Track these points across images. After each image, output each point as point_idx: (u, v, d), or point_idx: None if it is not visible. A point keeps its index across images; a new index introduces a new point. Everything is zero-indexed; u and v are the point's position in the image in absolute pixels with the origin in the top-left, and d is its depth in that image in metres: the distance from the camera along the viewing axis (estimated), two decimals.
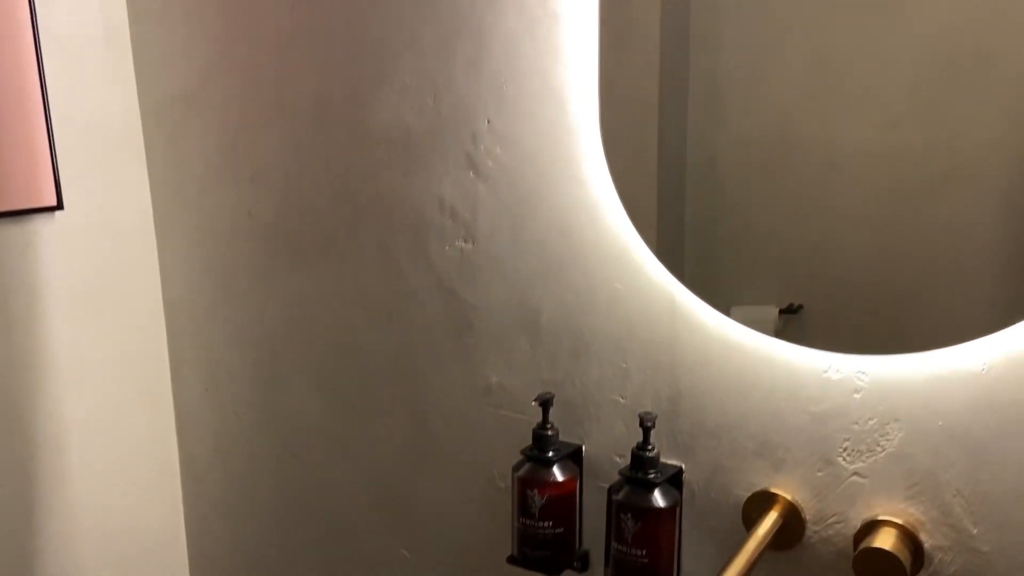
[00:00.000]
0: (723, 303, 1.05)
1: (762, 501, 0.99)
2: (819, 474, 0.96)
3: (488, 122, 1.10)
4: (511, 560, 1.07)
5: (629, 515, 0.97)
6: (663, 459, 1.03)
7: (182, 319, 1.48)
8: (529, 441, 1.07)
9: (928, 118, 1.74)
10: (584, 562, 1.10)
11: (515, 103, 1.07)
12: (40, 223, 1.29)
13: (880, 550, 0.88)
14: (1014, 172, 1.52)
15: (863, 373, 0.93)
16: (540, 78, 1.06)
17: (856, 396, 0.93)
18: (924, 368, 0.88)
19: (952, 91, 1.73)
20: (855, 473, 0.95)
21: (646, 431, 0.98)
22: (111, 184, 1.38)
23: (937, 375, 0.88)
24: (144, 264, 1.44)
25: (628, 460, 1.01)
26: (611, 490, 1.01)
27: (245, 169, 1.33)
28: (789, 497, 0.98)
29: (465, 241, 1.15)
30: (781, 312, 1.62)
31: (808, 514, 0.98)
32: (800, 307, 1.71)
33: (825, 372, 0.94)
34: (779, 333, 1.04)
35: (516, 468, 1.07)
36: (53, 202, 1.29)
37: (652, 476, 0.98)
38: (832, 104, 1.98)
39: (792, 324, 1.18)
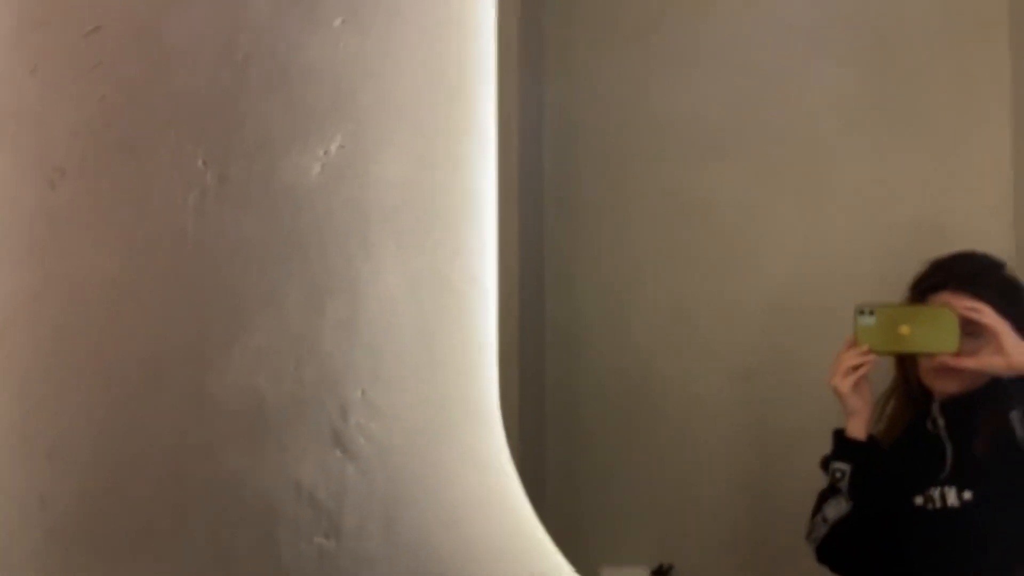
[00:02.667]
0: (592, 564, 0.84)
1: None
2: None
3: (362, 393, 0.86)
4: None
5: None
6: None
7: None
8: None
9: (780, 369, 1.69)
10: None
11: (397, 372, 0.84)
12: None
13: None
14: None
15: None
16: (426, 345, 0.84)
17: None
18: None
19: (801, 342, 1.70)
20: None
21: None
22: None
23: None
24: None
25: None
26: None
27: (40, 443, 1.00)
28: None
29: (326, 537, 0.87)
30: (653, 573, 1.42)
31: None
32: (671, 567, 1.53)
33: None
34: None
35: None
36: None
37: None
38: (690, 353, 1.92)
39: None
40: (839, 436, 1.26)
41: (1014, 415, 1.16)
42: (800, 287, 1.73)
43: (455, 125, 0.88)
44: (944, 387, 1.25)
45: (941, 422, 1.27)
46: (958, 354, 1.22)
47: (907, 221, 1.82)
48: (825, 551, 1.21)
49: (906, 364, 1.36)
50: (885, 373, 1.50)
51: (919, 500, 1.23)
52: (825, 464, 1.30)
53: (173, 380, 0.99)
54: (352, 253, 0.89)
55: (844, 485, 1.24)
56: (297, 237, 0.91)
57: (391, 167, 0.88)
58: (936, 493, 1.22)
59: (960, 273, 1.30)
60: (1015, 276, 1.27)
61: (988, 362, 1.21)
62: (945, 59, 1.80)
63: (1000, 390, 1.26)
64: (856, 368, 1.26)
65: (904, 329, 1.33)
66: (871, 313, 1.34)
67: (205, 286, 0.98)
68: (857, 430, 1.26)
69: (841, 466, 1.26)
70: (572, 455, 1.79)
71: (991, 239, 1.76)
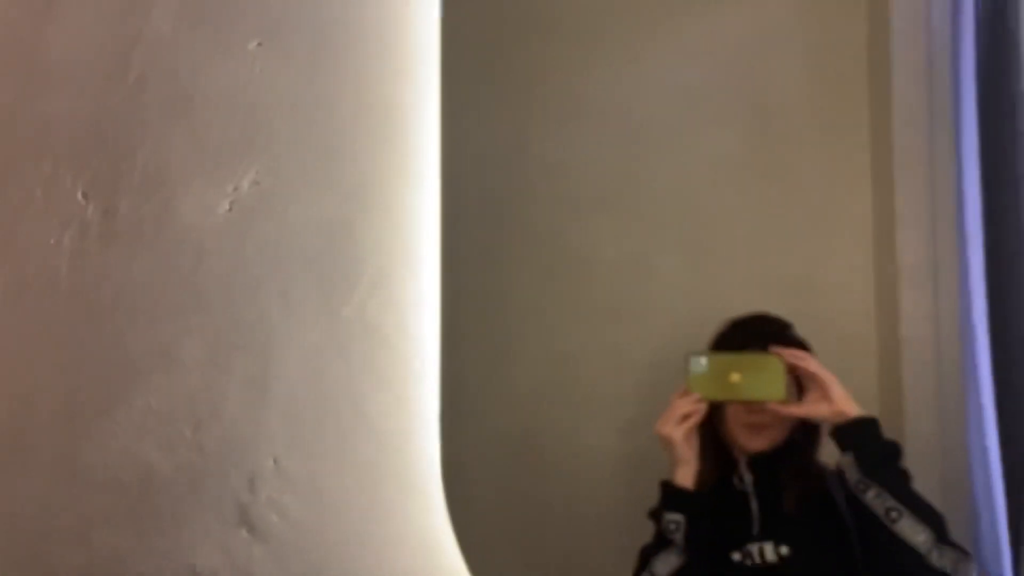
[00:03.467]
0: None
1: None
2: None
3: (274, 461, 0.74)
4: None
5: None
6: None
7: None
8: None
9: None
10: None
11: (317, 437, 0.73)
12: None
13: None
14: None
15: None
16: (354, 406, 0.73)
17: None
18: None
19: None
20: None
21: None
22: None
23: None
24: None
25: None
26: None
27: None
28: None
29: None
30: None
31: None
32: None
33: None
34: None
35: None
36: None
37: None
38: (575, 404, 1.87)
39: None
40: (669, 487, 1.23)
41: (846, 459, 1.18)
42: (683, 338, 1.72)
43: (390, 162, 0.79)
44: (752, 444, 1.26)
45: (749, 478, 1.27)
46: (784, 401, 1.24)
47: (780, 276, 1.87)
48: None
49: (715, 421, 1.36)
50: None
51: (736, 556, 1.23)
52: (656, 516, 1.26)
53: (39, 449, 0.83)
54: (266, 303, 0.78)
55: (679, 537, 1.21)
56: (199, 284, 0.79)
57: (314, 207, 0.78)
58: (754, 549, 1.23)
59: (759, 332, 1.33)
60: (800, 337, 1.31)
61: (814, 409, 1.24)
62: (814, 125, 1.88)
63: (805, 446, 1.29)
64: (688, 416, 1.24)
65: (735, 377, 1.34)
66: (703, 360, 1.33)
67: (81, 339, 0.83)
68: (687, 480, 1.25)
69: (675, 517, 1.23)
70: (455, 506, 1.67)
71: (854, 293, 1.83)
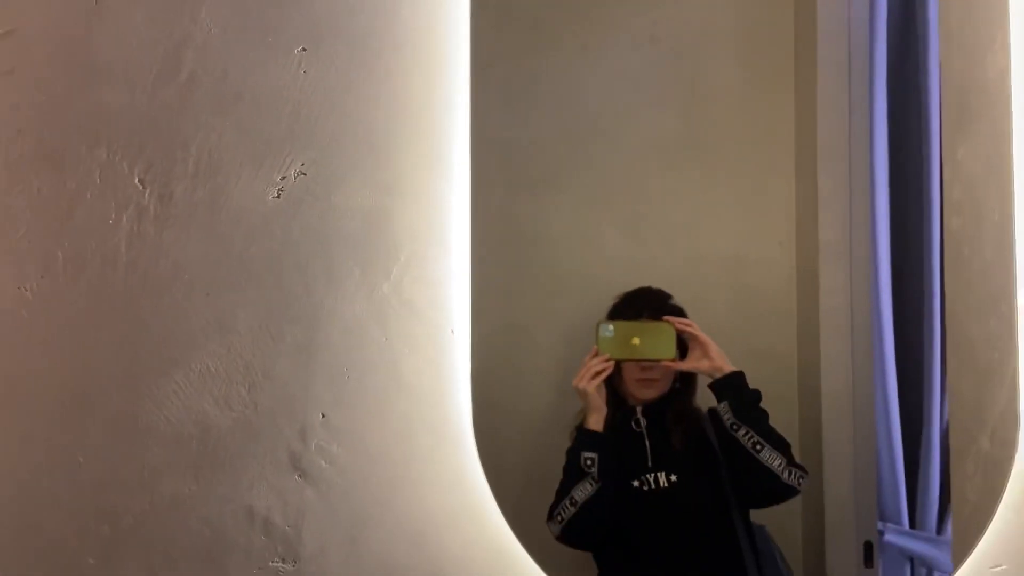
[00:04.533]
0: None
1: None
2: None
3: (323, 416, 0.86)
4: None
5: None
6: None
7: None
8: None
9: None
10: None
11: (360, 396, 0.86)
12: None
13: None
14: None
15: None
16: (391, 369, 0.86)
17: None
18: None
19: None
20: None
21: None
22: None
23: None
24: None
25: None
26: None
27: None
28: None
29: (284, 561, 0.86)
30: None
31: None
32: None
33: None
34: None
35: None
36: None
37: None
38: (524, 369, 2.00)
39: None
40: (584, 431, 1.51)
41: (722, 406, 1.47)
42: None
43: (421, 157, 0.91)
44: (645, 394, 1.58)
45: (643, 422, 1.57)
46: (674, 360, 1.54)
47: (712, 251, 2.02)
48: (572, 530, 1.42)
49: (614, 378, 1.64)
50: None
51: (636, 484, 1.53)
52: (574, 454, 1.52)
53: (102, 407, 0.92)
54: (312, 280, 0.89)
55: (594, 471, 1.48)
56: (251, 262, 0.90)
57: (355, 196, 0.89)
58: (650, 477, 1.56)
59: (649, 304, 1.63)
60: (679, 305, 1.61)
61: (697, 364, 1.57)
62: (745, 113, 2.03)
63: (685, 395, 1.60)
64: (599, 373, 1.53)
65: (635, 340, 1.63)
66: (610, 327, 1.61)
67: (140, 309, 0.92)
68: (598, 425, 1.54)
69: (590, 454, 1.53)
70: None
71: (779, 267, 2.00)
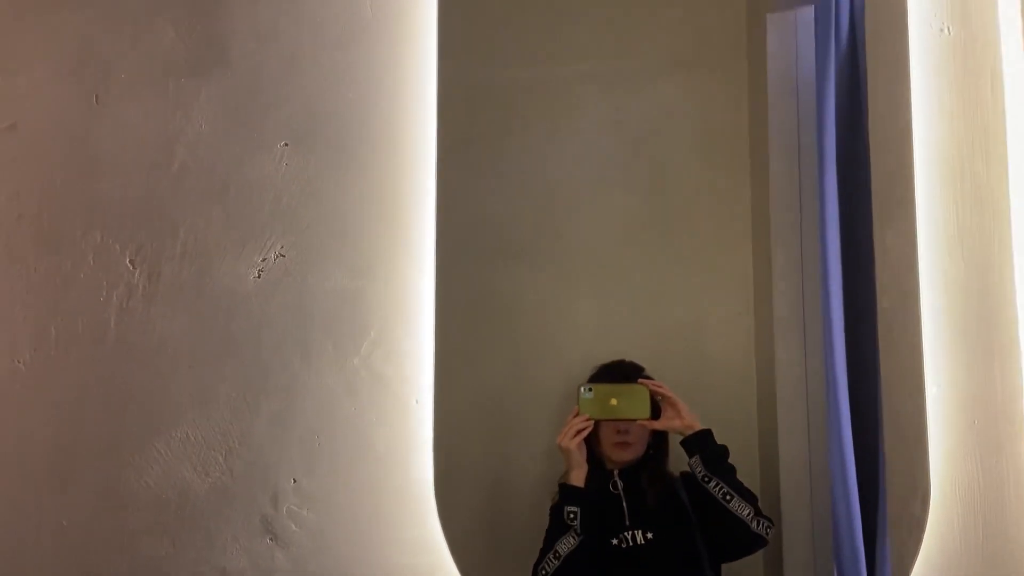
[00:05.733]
0: None
1: None
2: None
3: (294, 481, 0.93)
4: None
5: None
6: None
7: None
8: None
9: None
10: None
11: (330, 462, 0.93)
12: None
13: None
14: None
15: None
16: (360, 437, 0.93)
17: None
18: None
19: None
20: None
21: None
22: None
23: None
24: None
25: None
26: None
27: None
28: None
29: None
30: None
31: None
32: None
33: None
34: None
35: None
36: None
37: None
38: (498, 435, 2.05)
39: None
40: (566, 486, 1.61)
41: (693, 461, 1.58)
42: (592, 367, 1.95)
43: (391, 240, 0.99)
44: (621, 457, 1.69)
45: (620, 484, 1.67)
46: (649, 419, 1.66)
47: (674, 321, 2.10)
48: None
49: (592, 443, 1.74)
50: None
51: (615, 541, 1.61)
52: (557, 511, 1.61)
53: (87, 473, 0.98)
54: (288, 354, 0.96)
55: (577, 524, 1.57)
56: (232, 337, 0.96)
57: (329, 276, 0.97)
58: (628, 535, 1.64)
59: (623, 373, 1.76)
60: (651, 377, 1.70)
61: (670, 424, 1.69)
62: (703, 192, 2.13)
63: (658, 458, 1.71)
64: (580, 432, 1.64)
65: (613, 401, 1.75)
66: (590, 389, 1.73)
67: (127, 381, 0.99)
68: (580, 480, 1.64)
69: (573, 508, 1.63)
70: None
71: (737, 339, 2.09)
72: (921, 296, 0.87)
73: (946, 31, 0.90)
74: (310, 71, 0.98)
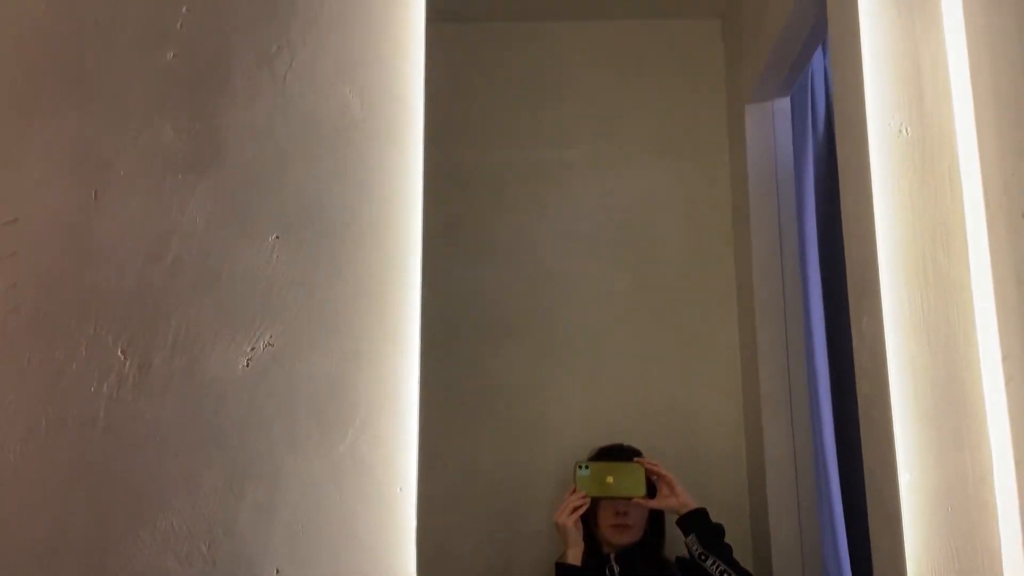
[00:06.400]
0: None
1: None
2: None
3: (277, 572, 0.93)
4: None
5: None
6: None
7: None
8: None
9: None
10: None
11: (314, 551, 0.93)
12: None
13: None
14: None
15: None
16: (344, 525, 0.94)
17: None
18: None
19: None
20: None
21: None
22: None
23: None
24: None
25: None
26: None
27: None
28: None
29: None
30: None
31: None
32: None
33: None
34: None
35: None
36: None
37: None
38: (489, 514, 2.04)
39: None
40: (563, 565, 1.59)
41: (690, 539, 1.57)
42: (584, 451, 1.97)
43: (378, 328, 1.02)
44: (619, 540, 1.68)
45: (617, 569, 1.66)
46: (645, 497, 1.65)
47: (664, 401, 2.12)
48: None
49: (590, 525, 1.74)
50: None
51: None
52: None
53: (72, 562, 0.98)
54: (275, 441, 0.98)
55: None
56: (219, 425, 0.98)
57: (317, 364, 0.99)
58: None
59: (621, 455, 1.77)
60: (646, 459, 1.74)
61: (666, 502, 1.67)
62: (689, 273, 2.18)
63: (655, 542, 1.69)
64: (577, 508, 1.63)
65: (609, 479, 1.75)
66: (587, 467, 1.74)
67: (114, 469, 1.00)
68: (576, 559, 1.62)
69: None
70: None
71: (726, 416, 2.11)
72: (891, 383, 0.89)
73: (904, 132, 0.95)
74: (302, 166, 1.02)
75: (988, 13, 0.88)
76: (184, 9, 1.03)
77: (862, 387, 1.06)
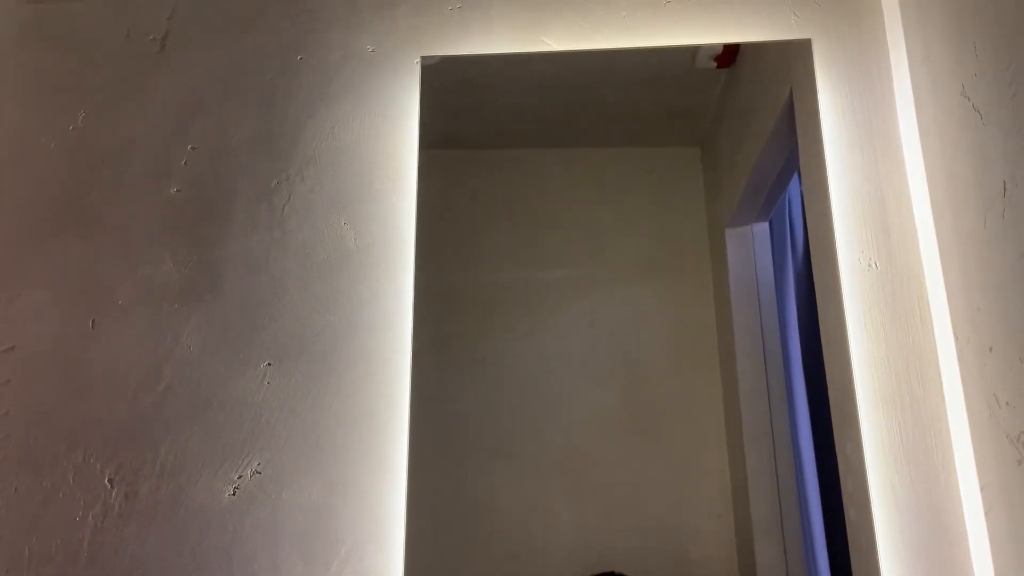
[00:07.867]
0: None
1: None
2: None
3: None
4: None
5: None
6: None
7: None
8: None
9: None
10: None
11: None
12: None
13: None
14: None
15: None
16: None
17: None
18: None
19: None
20: None
21: None
22: None
23: None
24: None
25: None
26: None
27: None
28: None
29: None
30: None
31: None
32: None
33: None
34: None
35: None
36: None
37: None
38: None
39: None
40: None
41: None
42: (573, 571, 1.93)
43: (365, 456, 1.03)
44: None
45: None
46: None
47: (654, 522, 2.09)
48: None
49: None
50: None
51: None
52: None
53: None
54: (258, 572, 0.97)
55: None
56: (203, 555, 0.97)
57: (303, 493, 1.00)
58: None
59: None
60: None
61: None
62: (676, 389, 2.19)
63: None
64: None
65: None
66: None
67: None
68: None
69: None
70: None
71: (717, 537, 2.07)
72: (874, 511, 0.90)
73: (873, 266, 0.99)
74: (296, 295, 1.05)
75: (945, 156, 0.94)
76: (190, 147, 1.08)
77: (849, 513, 1.06)
